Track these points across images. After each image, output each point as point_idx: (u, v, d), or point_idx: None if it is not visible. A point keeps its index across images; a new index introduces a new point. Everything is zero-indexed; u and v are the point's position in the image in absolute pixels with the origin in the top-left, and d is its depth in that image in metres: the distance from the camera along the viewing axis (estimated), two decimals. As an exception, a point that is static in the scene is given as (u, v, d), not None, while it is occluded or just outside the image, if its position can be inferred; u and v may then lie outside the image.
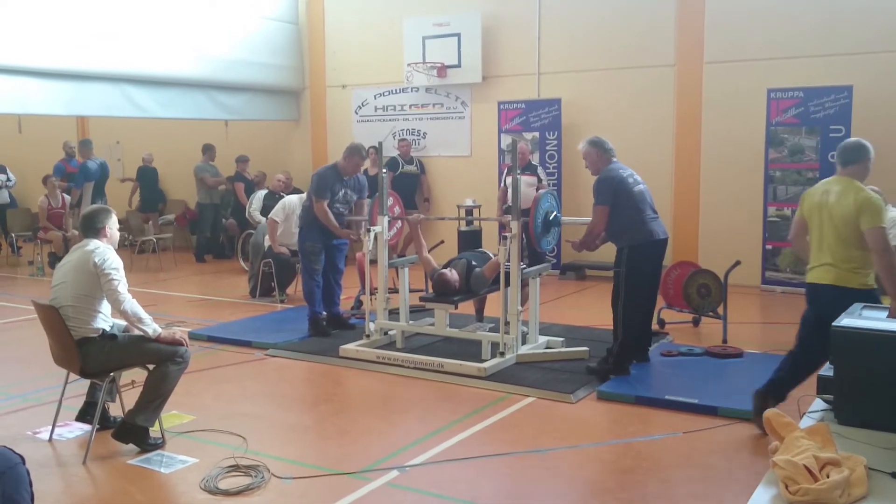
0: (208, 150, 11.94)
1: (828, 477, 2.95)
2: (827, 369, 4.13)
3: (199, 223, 12.20)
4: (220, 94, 11.22)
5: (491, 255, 6.46)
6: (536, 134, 10.13)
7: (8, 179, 12.44)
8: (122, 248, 4.72)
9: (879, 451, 3.23)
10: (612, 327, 5.62)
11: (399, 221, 7.11)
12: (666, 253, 5.74)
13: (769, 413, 3.45)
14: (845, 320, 3.93)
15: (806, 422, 3.83)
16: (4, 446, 2.06)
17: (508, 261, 5.68)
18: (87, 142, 10.64)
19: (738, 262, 6.66)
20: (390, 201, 6.70)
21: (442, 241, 8.59)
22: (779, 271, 8.81)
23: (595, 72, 9.99)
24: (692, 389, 5.09)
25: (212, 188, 11.80)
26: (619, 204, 5.44)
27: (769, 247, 8.86)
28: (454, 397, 5.23)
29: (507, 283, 5.71)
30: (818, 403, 4.16)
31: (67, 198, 11.05)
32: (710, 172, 9.41)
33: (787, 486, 3.02)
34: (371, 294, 6.80)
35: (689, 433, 4.45)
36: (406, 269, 6.57)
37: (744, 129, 9.08)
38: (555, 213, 5.81)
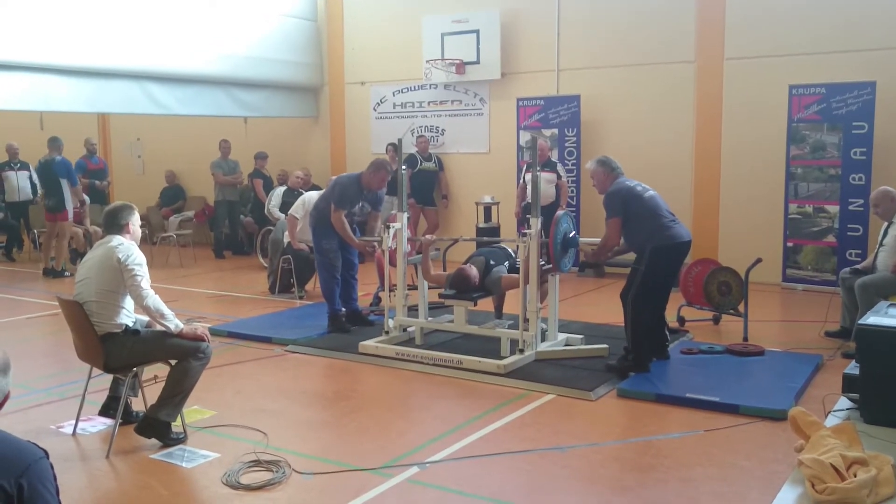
0: (222, 146, 12.02)
1: (855, 476, 2.92)
2: (853, 367, 4.09)
3: (215, 219, 12.30)
4: (239, 91, 11.27)
5: (510, 251, 6.45)
6: (555, 130, 10.09)
7: (31, 176, 12.53)
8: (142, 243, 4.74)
9: (906, 450, 3.20)
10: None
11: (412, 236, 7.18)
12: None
13: (794, 411, 3.43)
14: (871, 318, 3.90)
15: (831, 420, 3.80)
16: (28, 441, 2.07)
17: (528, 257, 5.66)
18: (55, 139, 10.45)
19: (759, 260, 6.61)
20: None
21: (458, 239, 8.57)
22: (800, 269, 8.73)
23: (615, 68, 9.94)
24: (713, 387, 5.06)
25: (223, 185, 11.87)
26: (632, 213, 5.46)
27: (790, 244, 8.77)
28: (473, 394, 5.23)
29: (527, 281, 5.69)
30: (843, 402, 4.12)
31: (87, 198, 11.12)
32: (730, 169, 9.34)
33: (813, 485, 3.00)
34: (390, 291, 6.80)
35: (711, 431, 4.42)
36: (425, 266, 6.56)
37: (765, 125, 9.00)
38: (573, 233, 5.85)
